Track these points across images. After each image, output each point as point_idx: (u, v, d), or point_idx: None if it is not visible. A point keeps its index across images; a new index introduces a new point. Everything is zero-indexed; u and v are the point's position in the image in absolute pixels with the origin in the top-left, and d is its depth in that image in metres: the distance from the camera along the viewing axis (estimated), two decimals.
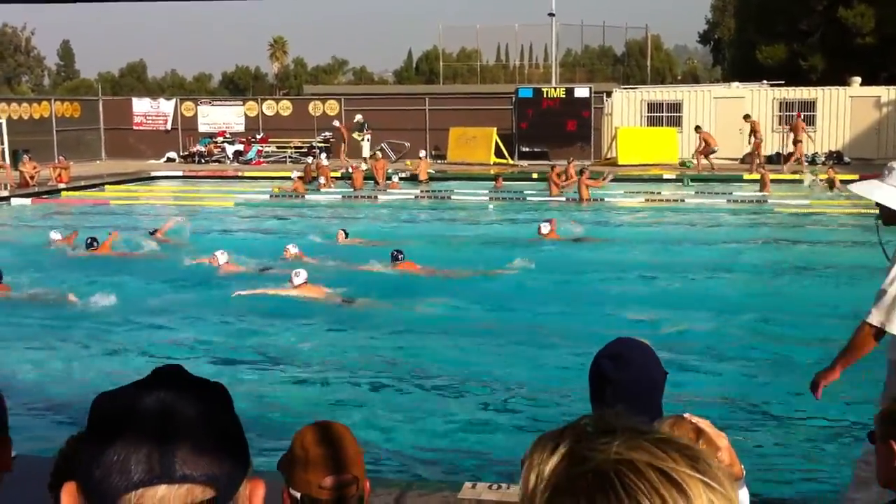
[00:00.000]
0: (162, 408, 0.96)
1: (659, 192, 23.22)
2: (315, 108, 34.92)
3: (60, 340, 10.02)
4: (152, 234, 16.49)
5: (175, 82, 69.18)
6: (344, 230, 16.20)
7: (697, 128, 27.99)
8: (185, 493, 0.93)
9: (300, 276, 11.57)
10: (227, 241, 16.24)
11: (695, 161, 27.42)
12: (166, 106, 36.09)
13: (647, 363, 2.55)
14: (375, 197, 23.71)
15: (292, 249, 14.13)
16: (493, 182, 24.99)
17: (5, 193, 23.57)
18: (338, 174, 26.85)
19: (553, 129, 30.26)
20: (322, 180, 25.56)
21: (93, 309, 11.25)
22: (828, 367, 4.10)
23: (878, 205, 4.06)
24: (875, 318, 3.88)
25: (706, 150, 26.89)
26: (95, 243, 15.04)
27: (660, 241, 16.20)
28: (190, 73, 75.25)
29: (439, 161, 31.54)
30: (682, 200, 21.27)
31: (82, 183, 25.89)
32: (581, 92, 31.18)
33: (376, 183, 25.38)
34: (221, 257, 13.56)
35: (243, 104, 36.66)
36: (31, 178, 24.76)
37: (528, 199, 22.66)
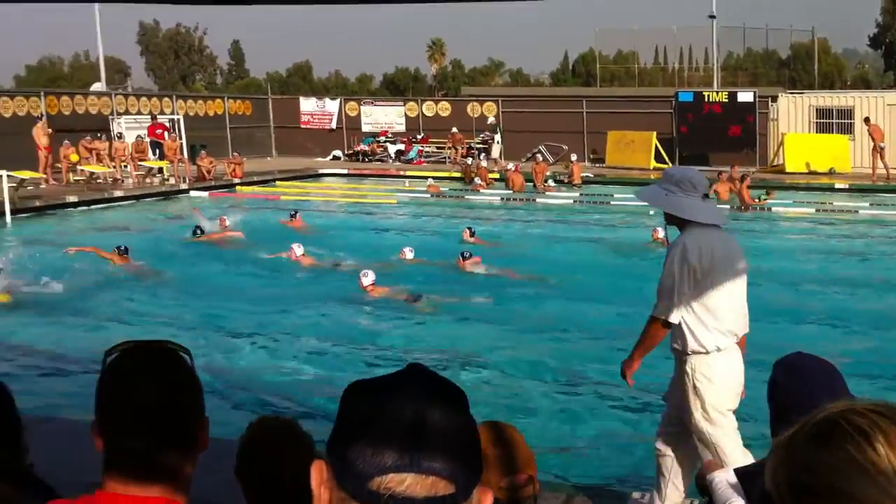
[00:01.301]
0: (415, 404, 1.01)
1: (830, 203, 22.40)
2: (473, 109, 35.41)
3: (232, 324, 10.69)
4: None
5: (339, 83, 71.28)
6: (470, 228, 16.50)
7: (867, 119, 26.95)
8: (429, 484, 0.98)
9: (368, 276, 11.93)
10: (384, 238, 16.92)
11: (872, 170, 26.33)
12: (331, 105, 37.40)
13: (826, 382, 2.52)
14: (533, 199, 23.92)
15: (297, 250, 14.41)
16: None
17: (185, 186, 25.05)
18: (496, 175, 27.22)
19: (715, 133, 29.61)
20: (478, 181, 25.99)
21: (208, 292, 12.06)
22: (628, 358, 4.61)
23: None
24: (659, 312, 4.37)
25: (874, 151, 25.86)
26: (200, 231, 16.68)
27: (824, 253, 15.71)
28: (352, 74, 77.40)
29: (598, 165, 31.43)
30: (856, 212, 20.50)
31: (255, 178, 27.21)
32: (745, 96, 30.38)
33: (535, 186, 25.59)
34: (298, 250, 14.41)
35: (404, 105, 37.56)
36: (208, 172, 26.22)
37: None
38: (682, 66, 52.67)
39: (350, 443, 1.00)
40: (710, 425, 4.42)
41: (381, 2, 3.47)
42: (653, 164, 29.79)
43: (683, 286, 4.29)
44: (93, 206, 21.53)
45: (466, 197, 24.42)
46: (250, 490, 2.33)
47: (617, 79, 52.81)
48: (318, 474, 1.04)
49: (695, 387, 4.38)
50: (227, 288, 12.75)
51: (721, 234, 4.48)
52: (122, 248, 13.99)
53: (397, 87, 67.64)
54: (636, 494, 5.09)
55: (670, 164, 29.76)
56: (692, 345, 4.35)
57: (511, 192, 24.89)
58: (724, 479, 2.82)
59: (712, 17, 36.55)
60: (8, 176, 19.36)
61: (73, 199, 21.48)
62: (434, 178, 26.84)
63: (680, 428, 4.63)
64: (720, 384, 4.37)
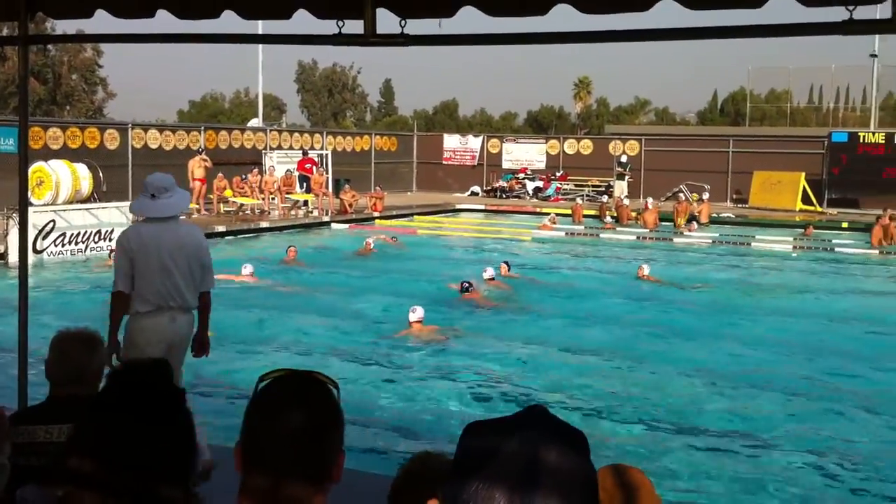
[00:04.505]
0: (529, 446, 1.00)
1: None
2: (615, 147, 35.19)
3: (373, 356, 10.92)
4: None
5: (483, 120, 72.19)
6: (507, 263, 16.33)
7: None
8: None
9: (416, 312, 11.56)
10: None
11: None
12: (474, 142, 37.97)
13: None
14: (670, 239, 23.49)
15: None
16: (803, 230, 24.04)
17: (326, 219, 25.90)
18: (635, 214, 26.92)
19: (869, 176, 28.42)
20: (608, 219, 26.00)
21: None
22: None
23: None
24: (115, 287, 5.67)
25: None
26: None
27: None
28: (497, 111, 78.37)
29: (740, 206, 30.64)
30: None
31: (394, 212, 27.87)
32: None
33: (675, 225, 25.17)
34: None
35: (546, 142, 37.72)
36: (350, 205, 27.03)
37: (837, 249, 21.46)
38: (837, 106, 50.70)
39: (464, 483, 1.00)
40: None
41: (528, 42, 3.61)
42: (799, 205, 28.79)
43: (120, 264, 5.58)
44: (239, 236, 22.55)
45: (604, 236, 24.22)
46: None
47: (767, 118, 51.36)
48: None
49: (125, 339, 5.66)
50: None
51: (163, 224, 5.59)
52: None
53: (541, 124, 67.91)
54: None
55: (818, 207, 28.68)
56: (131, 308, 5.62)
57: (646, 230, 24.56)
58: None
59: (874, 56, 35.30)
60: None
61: (221, 228, 22.57)
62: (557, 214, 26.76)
63: None
64: (139, 339, 5.61)
